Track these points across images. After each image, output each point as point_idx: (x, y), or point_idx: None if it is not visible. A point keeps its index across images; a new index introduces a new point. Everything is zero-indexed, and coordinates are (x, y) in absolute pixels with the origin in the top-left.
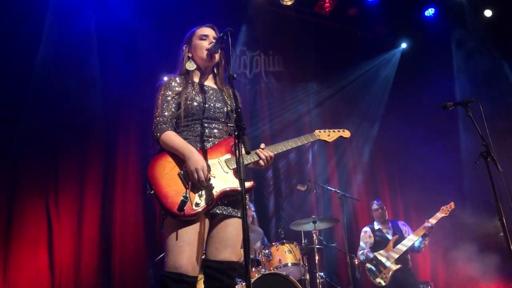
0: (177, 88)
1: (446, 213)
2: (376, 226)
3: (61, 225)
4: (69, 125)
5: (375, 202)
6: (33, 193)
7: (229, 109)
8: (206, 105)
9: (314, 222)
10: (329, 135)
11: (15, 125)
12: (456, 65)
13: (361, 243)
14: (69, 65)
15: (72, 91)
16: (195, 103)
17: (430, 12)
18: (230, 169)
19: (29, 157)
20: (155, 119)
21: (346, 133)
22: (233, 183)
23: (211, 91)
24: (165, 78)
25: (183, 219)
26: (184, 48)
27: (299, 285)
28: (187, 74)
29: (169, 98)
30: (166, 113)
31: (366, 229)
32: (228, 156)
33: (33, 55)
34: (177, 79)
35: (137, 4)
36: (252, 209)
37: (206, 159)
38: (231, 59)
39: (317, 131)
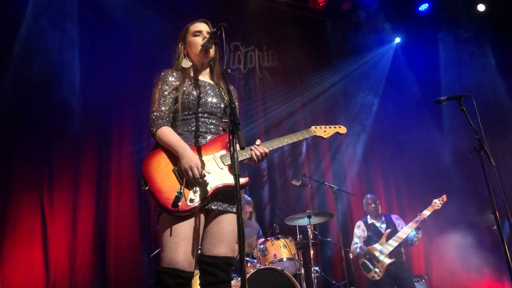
0: (174, 83)
1: (439, 206)
2: (370, 220)
3: (55, 221)
4: (63, 121)
5: (368, 196)
6: (27, 189)
7: (225, 104)
8: (203, 100)
9: (309, 217)
10: (325, 131)
11: (9, 121)
12: (450, 59)
13: (355, 237)
14: (60, 61)
15: (64, 87)
16: (191, 98)
17: (424, 7)
18: (225, 165)
19: (23, 153)
20: (152, 114)
21: (343, 129)
22: (228, 179)
23: (208, 86)
24: (162, 73)
25: (178, 215)
26: (179, 45)
27: (294, 280)
28: (183, 70)
29: (166, 92)
30: (163, 108)
31: (360, 223)
32: (223, 152)
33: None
34: (174, 73)
35: None
36: (251, 204)
37: (200, 155)
38: (225, 54)
39: (313, 127)
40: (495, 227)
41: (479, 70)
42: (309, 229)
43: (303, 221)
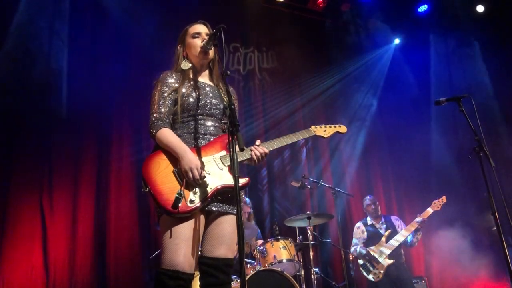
0: (173, 84)
1: (438, 207)
2: (369, 221)
3: (55, 222)
4: (63, 122)
5: (368, 197)
6: (27, 190)
7: (225, 106)
8: (202, 101)
9: (309, 218)
10: (325, 130)
11: (9, 121)
12: (449, 60)
13: (354, 239)
14: (59, 61)
15: (63, 87)
16: (191, 99)
17: (423, 8)
18: (225, 166)
19: (23, 153)
20: (152, 116)
21: (343, 128)
22: (228, 180)
23: (207, 88)
24: (162, 74)
25: (178, 216)
26: (178, 47)
27: (294, 281)
28: (183, 71)
29: (165, 94)
30: (162, 110)
31: (359, 224)
32: (223, 153)
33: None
34: (173, 75)
35: None
36: (250, 205)
37: (200, 156)
38: (225, 56)
39: (313, 126)
40: (494, 228)
41: (479, 71)
42: (308, 231)
43: (303, 223)
